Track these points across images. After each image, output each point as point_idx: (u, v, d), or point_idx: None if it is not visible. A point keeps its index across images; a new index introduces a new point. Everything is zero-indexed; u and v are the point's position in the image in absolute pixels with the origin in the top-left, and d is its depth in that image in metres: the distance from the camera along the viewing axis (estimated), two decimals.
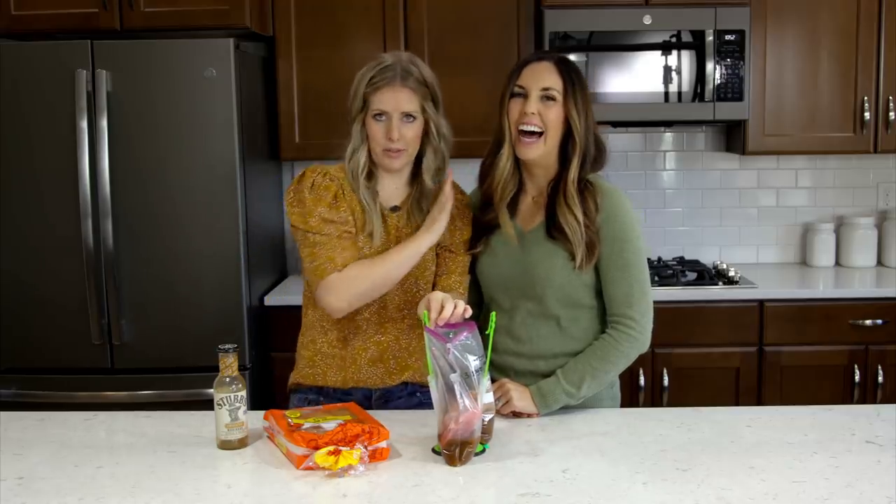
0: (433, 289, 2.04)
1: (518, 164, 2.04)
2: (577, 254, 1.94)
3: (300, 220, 1.97)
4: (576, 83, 1.97)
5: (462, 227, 2.07)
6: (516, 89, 1.98)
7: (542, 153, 1.98)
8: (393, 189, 2.04)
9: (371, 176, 2.00)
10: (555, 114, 1.96)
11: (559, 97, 1.95)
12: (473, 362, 1.66)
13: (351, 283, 1.93)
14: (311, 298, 2.04)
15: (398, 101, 1.93)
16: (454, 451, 1.64)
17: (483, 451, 1.71)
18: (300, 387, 2.09)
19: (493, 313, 1.79)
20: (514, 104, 1.98)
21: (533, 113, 1.95)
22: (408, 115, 1.94)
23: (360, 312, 2.01)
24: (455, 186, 2.09)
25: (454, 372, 1.64)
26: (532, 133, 1.95)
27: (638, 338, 1.96)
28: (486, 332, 1.74)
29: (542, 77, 1.96)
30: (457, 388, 1.63)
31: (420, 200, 2.04)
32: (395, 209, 2.03)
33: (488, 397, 1.72)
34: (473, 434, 1.65)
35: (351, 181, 2.00)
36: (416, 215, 2.04)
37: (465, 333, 1.69)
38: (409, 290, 2.03)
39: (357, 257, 1.97)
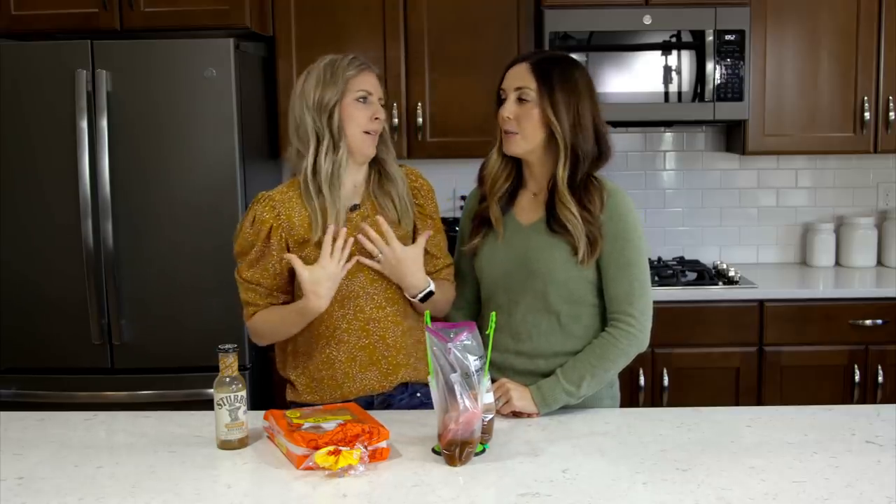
0: None
1: (517, 162, 2.05)
2: (579, 247, 1.94)
3: (236, 258, 2.05)
4: (554, 82, 1.95)
5: (431, 216, 2.10)
6: (500, 93, 2.01)
7: (523, 149, 1.99)
8: (352, 188, 2.04)
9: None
10: (532, 115, 1.95)
11: (534, 97, 1.95)
12: (473, 362, 1.66)
13: (257, 333, 2.06)
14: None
15: (375, 84, 2.02)
16: (454, 451, 1.64)
17: (483, 451, 1.71)
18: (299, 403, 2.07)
19: (494, 313, 1.79)
20: (499, 108, 2.00)
21: (508, 117, 1.96)
22: (381, 100, 2.03)
23: (338, 325, 2.00)
24: (420, 176, 2.13)
25: (454, 372, 1.64)
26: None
27: (637, 335, 1.96)
28: (486, 332, 1.74)
29: (517, 78, 1.97)
30: (457, 388, 1.63)
31: (383, 185, 2.05)
32: (355, 207, 2.03)
33: (488, 397, 1.72)
34: (473, 434, 1.65)
35: (314, 189, 1.97)
36: (382, 200, 2.04)
37: (465, 333, 1.69)
38: (388, 287, 2.03)
39: (277, 298, 2.04)
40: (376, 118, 1.99)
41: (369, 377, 2.02)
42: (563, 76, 1.96)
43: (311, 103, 1.97)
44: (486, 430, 1.72)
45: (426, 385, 2.03)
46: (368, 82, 2.00)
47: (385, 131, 2.06)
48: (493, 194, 2.05)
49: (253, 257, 2.01)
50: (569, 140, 1.95)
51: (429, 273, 2.05)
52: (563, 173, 1.96)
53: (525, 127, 1.95)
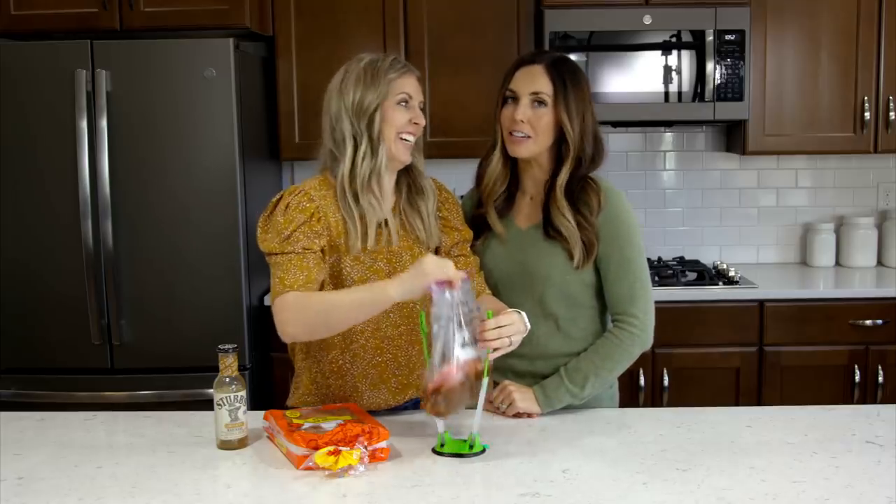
0: None
1: (514, 163, 2.04)
2: (574, 252, 1.94)
3: (265, 245, 1.86)
4: (568, 86, 1.95)
5: (458, 228, 2.03)
6: (508, 93, 1.98)
7: (532, 153, 1.98)
8: (383, 200, 1.95)
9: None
10: (545, 119, 1.95)
11: (549, 101, 1.94)
12: (466, 313, 1.65)
13: (293, 311, 1.78)
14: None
15: (417, 88, 1.94)
16: (439, 400, 1.63)
17: (483, 450, 1.71)
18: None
19: (490, 311, 1.76)
20: (505, 109, 1.98)
21: (522, 120, 1.94)
22: (421, 104, 1.95)
23: (356, 339, 1.94)
24: (445, 189, 2.07)
25: (455, 322, 1.63)
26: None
27: (640, 335, 1.96)
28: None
29: (533, 81, 1.95)
30: (453, 337, 1.62)
31: (411, 198, 1.98)
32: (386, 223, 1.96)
33: (470, 352, 1.67)
34: (460, 386, 1.64)
35: (350, 192, 1.88)
36: (411, 216, 1.97)
37: (461, 281, 1.68)
38: (406, 305, 1.94)
39: (318, 278, 1.83)
40: (415, 123, 1.91)
41: (378, 395, 1.98)
42: (574, 80, 1.96)
43: (349, 105, 1.88)
44: (454, 394, 1.67)
45: None
46: (410, 85, 1.92)
47: (419, 139, 1.99)
48: (490, 198, 2.04)
49: (284, 233, 1.83)
50: (577, 145, 1.95)
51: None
52: (563, 178, 1.96)
53: (538, 131, 1.95)
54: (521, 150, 1.98)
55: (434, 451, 1.71)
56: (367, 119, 1.88)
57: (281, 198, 1.90)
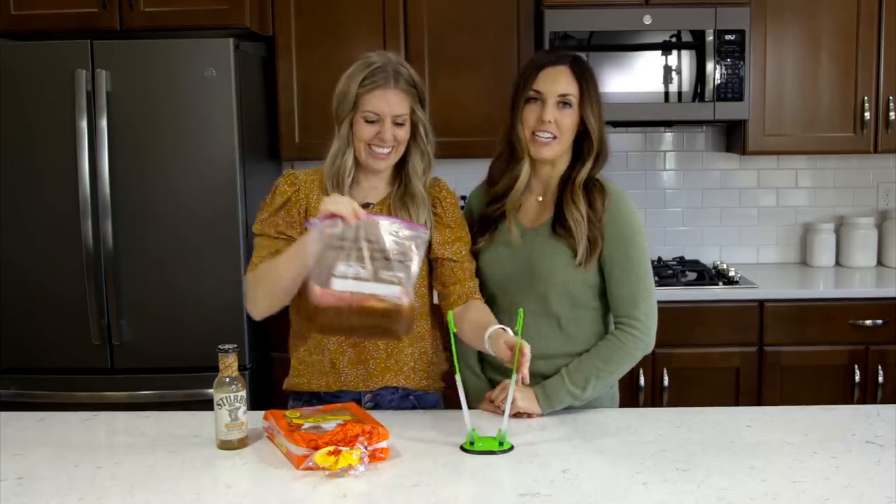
0: (445, 299, 2.01)
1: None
2: (578, 249, 1.94)
3: (254, 226, 2.02)
4: (590, 85, 1.98)
5: (450, 225, 2.03)
6: (532, 94, 1.98)
7: (556, 154, 2.00)
8: (371, 189, 2.02)
9: (352, 178, 1.99)
10: (570, 119, 1.97)
11: (575, 102, 1.96)
12: (371, 249, 1.69)
13: (252, 285, 1.96)
14: (294, 305, 2.03)
15: (391, 103, 1.92)
16: (313, 316, 1.70)
17: (511, 448, 1.71)
18: (294, 391, 2.08)
19: (521, 310, 1.77)
20: (529, 109, 1.98)
21: (550, 121, 1.95)
22: (399, 118, 1.93)
23: None
24: (446, 188, 2.06)
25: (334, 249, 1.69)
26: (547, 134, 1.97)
27: (643, 339, 1.96)
28: (515, 330, 1.76)
29: (559, 83, 1.96)
30: (332, 264, 1.68)
31: (405, 198, 1.99)
32: (366, 205, 1.98)
33: (363, 286, 1.70)
34: (332, 310, 1.69)
35: (330, 184, 1.97)
36: (398, 213, 1.99)
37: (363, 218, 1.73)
38: None
39: None
40: (381, 139, 1.91)
41: (356, 374, 2.01)
42: (593, 78, 2.00)
43: (334, 105, 1.96)
44: (324, 315, 1.72)
45: (418, 390, 2.03)
46: (378, 103, 1.91)
47: (422, 144, 1.98)
48: (514, 207, 2.03)
49: (265, 215, 2.00)
50: (599, 143, 1.99)
51: (456, 292, 2.01)
52: (584, 174, 1.98)
53: (563, 131, 1.97)
54: (547, 152, 1.98)
55: (462, 448, 1.72)
56: (340, 123, 1.96)
57: (281, 176, 2.04)
